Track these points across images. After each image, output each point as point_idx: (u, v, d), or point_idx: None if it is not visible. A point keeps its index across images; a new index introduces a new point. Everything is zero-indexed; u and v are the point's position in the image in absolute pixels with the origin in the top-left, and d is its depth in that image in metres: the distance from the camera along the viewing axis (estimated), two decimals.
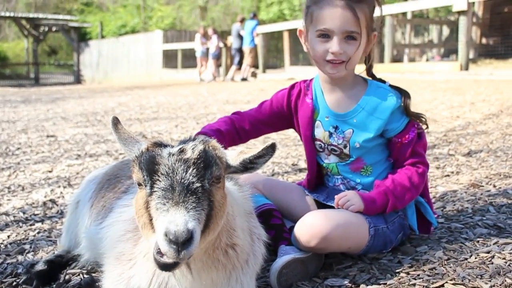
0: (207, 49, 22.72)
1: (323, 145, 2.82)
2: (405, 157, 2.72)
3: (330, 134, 2.77)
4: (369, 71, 2.81)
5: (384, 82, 2.78)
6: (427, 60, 22.43)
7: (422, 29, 26.47)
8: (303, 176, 4.46)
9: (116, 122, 2.14)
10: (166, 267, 1.76)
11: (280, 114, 2.94)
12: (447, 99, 9.05)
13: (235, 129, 2.87)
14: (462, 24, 13.55)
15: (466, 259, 2.59)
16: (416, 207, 2.84)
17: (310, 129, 2.83)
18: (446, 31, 24.84)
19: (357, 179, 2.80)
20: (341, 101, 2.74)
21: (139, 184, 1.92)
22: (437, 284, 2.35)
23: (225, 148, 2.36)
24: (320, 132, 2.81)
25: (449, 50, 22.09)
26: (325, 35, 2.57)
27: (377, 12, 2.70)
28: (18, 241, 3.34)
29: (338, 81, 2.73)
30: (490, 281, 2.33)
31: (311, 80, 2.90)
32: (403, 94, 2.71)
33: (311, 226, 2.49)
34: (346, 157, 2.77)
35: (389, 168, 2.81)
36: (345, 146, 2.74)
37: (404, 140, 2.69)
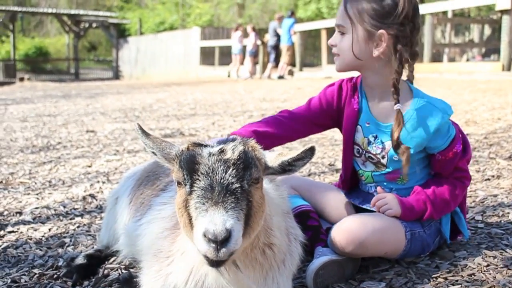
0: (244, 46, 22.77)
1: (361, 150, 2.76)
2: (448, 172, 2.64)
3: (369, 142, 2.70)
4: (397, 79, 2.54)
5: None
6: (468, 60, 22.03)
7: (463, 28, 26.01)
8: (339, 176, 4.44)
9: (142, 129, 2.12)
10: (214, 263, 1.79)
11: (328, 112, 2.83)
12: (487, 100, 8.86)
13: (280, 128, 2.77)
14: (505, 23, 13.24)
15: (507, 266, 2.54)
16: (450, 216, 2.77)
17: (352, 132, 2.76)
18: (487, 30, 24.37)
19: (392, 186, 2.73)
20: (384, 109, 2.65)
21: (179, 183, 1.94)
22: None
23: (266, 148, 2.36)
24: (359, 137, 2.74)
25: (490, 50, 21.67)
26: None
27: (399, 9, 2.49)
28: (59, 235, 3.42)
29: (380, 88, 2.64)
30: None
31: (357, 78, 2.81)
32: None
33: (348, 232, 2.47)
34: (383, 167, 2.70)
35: (427, 176, 2.73)
36: (383, 157, 2.67)
37: (448, 157, 2.59)
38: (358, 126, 2.74)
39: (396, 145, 2.53)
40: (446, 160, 2.61)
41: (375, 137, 2.68)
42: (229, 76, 22.33)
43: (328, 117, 2.85)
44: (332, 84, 2.87)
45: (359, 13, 2.52)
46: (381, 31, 2.50)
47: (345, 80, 2.85)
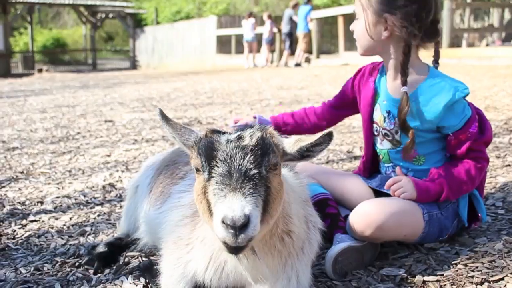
0: (257, 34, 22.70)
1: (378, 128, 2.80)
2: (461, 154, 2.62)
3: (384, 119, 2.74)
4: (404, 70, 2.58)
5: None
6: (487, 45, 21.70)
7: (482, 13, 25.65)
8: (357, 163, 4.42)
9: (164, 114, 2.15)
10: (233, 249, 1.79)
11: (347, 97, 3.04)
12: (508, 86, 8.75)
13: (307, 118, 3.16)
14: None
15: None
16: (469, 199, 2.75)
17: (370, 111, 2.82)
18: (508, 14, 23.97)
19: (408, 166, 2.75)
20: (398, 85, 2.67)
21: (197, 170, 1.95)
22: (497, 277, 2.31)
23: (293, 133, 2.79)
24: (377, 115, 2.79)
25: (510, 34, 21.33)
26: None
27: None
28: (80, 223, 3.46)
29: (392, 65, 2.69)
30: None
31: (380, 62, 2.87)
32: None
33: (366, 216, 2.48)
34: (398, 143, 2.73)
35: (444, 159, 2.72)
36: (396, 132, 2.70)
37: (462, 138, 2.58)
38: (377, 105, 2.80)
39: (403, 126, 2.59)
40: (458, 142, 2.60)
41: (389, 113, 2.72)
42: (254, 66, 22.24)
43: (349, 104, 3.05)
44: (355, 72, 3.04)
45: None
46: (386, 14, 2.57)
47: (368, 64, 2.97)
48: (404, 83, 2.57)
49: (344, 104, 3.08)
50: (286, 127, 3.14)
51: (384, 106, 2.75)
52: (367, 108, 2.84)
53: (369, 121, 2.84)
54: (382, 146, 2.81)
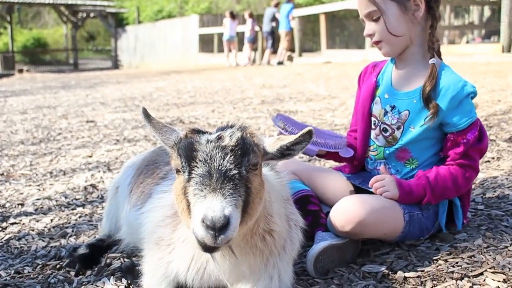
0: (237, 33, 22.69)
1: (377, 122, 2.78)
2: (456, 156, 2.61)
3: (386, 113, 2.72)
4: (431, 42, 2.62)
5: None
6: (467, 42, 21.90)
7: (463, 10, 25.86)
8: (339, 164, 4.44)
9: (146, 113, 2.16)
10: (208, 248, 1.79)
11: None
12: (487, 83, 8.84)
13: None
14: (504, 4, 13.16)
15: (507, 247, 2.55)
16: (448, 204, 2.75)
17: (369, 104, 2.81)
18: (487, 12, 24.21)
19: (399, 168, 2.74)
20: (406, 78, 2.69)
21: (177, 171, 1.95)
22: (476, 272, 2.33)
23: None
24: (377, 109, 2.78)
25: (490, 31, 21.54)
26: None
27: None
28: (61, 225, 3.43)
29: (407, 56, 2.69)
30: None
31: (385, 60, 2.89)
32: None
33: (346, 211, 2.48)
34: (394, 141, 2.72)
35: (436, 164, 2.71)
36: (398, 128, 2.69)
37: (460, 140, 2.57)
38: (377, 98, 2.79)
39: (427, 99, 2.56)
40: (456, 144, 2.59)
41: (393, 107, 2.70)
42: (237, 64, 22.20)
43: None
44: None
45: None
46: None
47: (371, 63, 2.97)
48: (433, 56, 2.60)
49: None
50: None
51: (386, 100, 2.74)
52: (366, 102, 2.82)
53: (367, 114, 2.82)
54: (378, 142, 2.80)
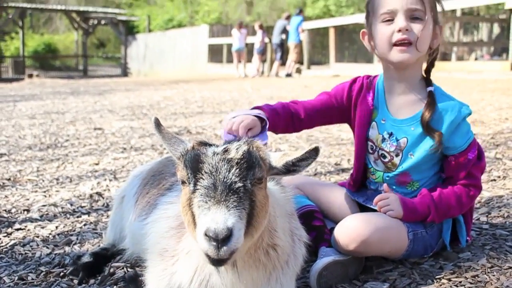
0: (247, 44, 22.79)
1: (374, 147, 2.75)
2: (458, 178, 2.62)
3: (383, 139, 2.70)
4: (428, 71, 2.66)
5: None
6: (476, 59, 21.91)
7: (472, 27, 25.87)
8: (345, 176, 4.44)
9: (158, 123, 2.19)
10: (215, 262, 1.80)
11: (338, 107, 2.84)
12: (495, 100, 8.82)
13: (291, 115, 2.75)
14: None
15: (511, 267, 2.54)
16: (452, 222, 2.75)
17: (366, 129, 2.76)
18: (496, 29, 24.23)
19: (401, 191, 2.72)
20: (402, 105, 2.66)
21: (183, 182, 1.95)
22: None
23: (277, 133, 2.53)
24: (374, 134, 2.74)
25: (499, 49, 21.55)
26: (390, 19, 2.52)
27: (439, 7, 2.62)
28: (66, 232, 3.44)
29: (404, 81, 2.64)
30: None
31: (375, 76, 2.81)
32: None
33: (350, 230, 2.48)
34: (393, 167, 2.69)
35: (437, 183, 2.71)
36: (397, 155, 2.66)
37: (461, 161, 2.57)
38: (374, 123, 2.74)
39: (428, 127, 2.52)
40: (458, 164, 2.59)
41: (390, 134, 2.68)
42: (245, 75, 22.24)
43: (336, 111, 2.85)
44: (347, 81, 2.88)
45: (429, 1, 2.52)
46: (440, 25, 2.57)
47: (363, 76, 2.85)
48: (430, 84, 2.59)
49: (333, 114, 2.86)
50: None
51: (382, 126, 2.70)
52: (362, 127, 2.76)
53: (363, 139, 2.78)
54: (377, 166, 2.77)
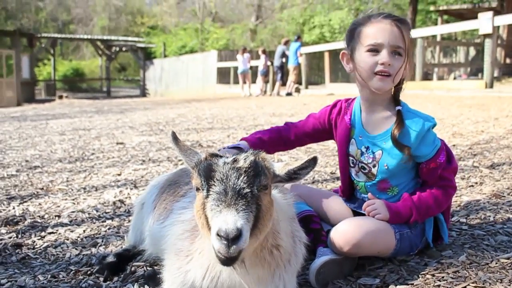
0: (251, 67, 22.92)
1: (355, 161, 2.77)
2: (432, 181, 2.64)
3: (362, 153, 2.72)
4: (397, 92, 2.67)
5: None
6: (455, 78, 21.90)
7: (451, 50, 25.93)
8: (339, 183, 4.43)
9: (175, 136, 2.21)
10: (226, 261, 1.81)
11: (322, 128, 2.92)
12: (472, 115, 8.81)
13: (281, 137, 2.91)
14: (487, 46, 13.19)
15: (488, 264, 2.53)
16: (434, 221, 2.76)
17: (346, 146, 2.79)
18: (472, 52, 24.27)
19: (383, 197, 2.72)
20: (375, 122, 2.68)
21: (197, 189, 1.97)
22: (460, 286, 2.31)
23: (269, 153, 2.53)
24: (353, 149, 2.77)
25: (475, 69, 21.56)
26: (374, 50, 2.52)
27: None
28: (92, 236, 3.45)
29: (377, 101, 2.66)
30: (510, 285, 2.27)
31: (353, 99, 2.85)
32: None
33: (344, 234, 2.48)
34: (373, 176, 2.71)
35: (416, 187, 2.73)
36: (374, 166, 2.68)
37: (432, 166, 2.59)
38: (352, 140, 2.77)
39: (397, 142, 2.54)
40: (429, 170, 2.61)
41: (367, 148, 2.70)
42: (250, 95, 22.32)
43: (321, 132, 2.95)
44: (329, 105, 2.94)
45: (407, 40, 2.54)
46: (410, 59, 2.57)
47: (342, 100, 2.91)
48: (399, 104, 2.61)
49: (318, 134, 2.96)
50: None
51: (360, 141, 2.72)
52: (343, 144, 2.80)
53: (345, 155, 2.81)
54: (358, 178, 2.79)
